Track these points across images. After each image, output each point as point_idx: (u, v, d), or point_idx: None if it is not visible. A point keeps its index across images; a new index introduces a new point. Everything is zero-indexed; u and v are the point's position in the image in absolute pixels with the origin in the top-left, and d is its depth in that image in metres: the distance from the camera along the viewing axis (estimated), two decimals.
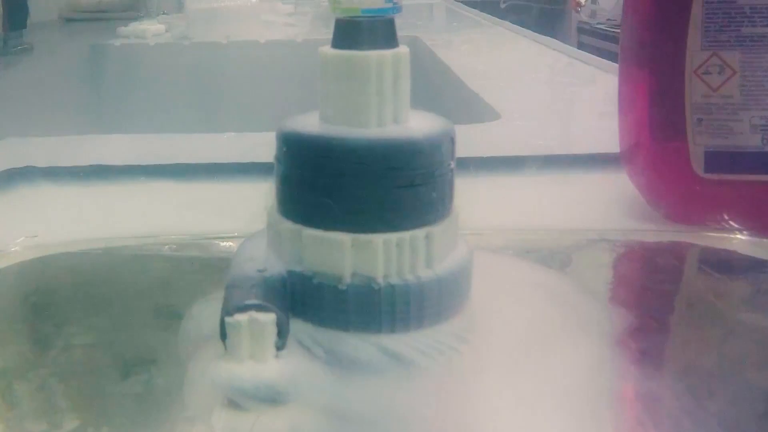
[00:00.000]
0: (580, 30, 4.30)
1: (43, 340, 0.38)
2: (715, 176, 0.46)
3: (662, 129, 0.47)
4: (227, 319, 0.30)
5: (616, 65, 0.52)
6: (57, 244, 0.46)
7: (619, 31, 0.51)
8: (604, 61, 1.06)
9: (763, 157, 0.45)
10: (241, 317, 0.30)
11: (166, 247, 0.45)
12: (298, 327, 0.32)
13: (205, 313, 0.35)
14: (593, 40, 3.85)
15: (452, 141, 0.34)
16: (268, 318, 0.31)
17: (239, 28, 1.53)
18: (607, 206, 0.52)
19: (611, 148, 0.51)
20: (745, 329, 0.37)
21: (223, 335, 0.31)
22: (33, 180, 0.57)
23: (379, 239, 0.32)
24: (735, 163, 0.45)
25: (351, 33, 0.33)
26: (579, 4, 4.50)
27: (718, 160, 0.45)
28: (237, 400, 0.29)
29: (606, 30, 3.81)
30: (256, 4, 1.65)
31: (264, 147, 0.37)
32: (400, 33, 0.34)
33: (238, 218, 0.43)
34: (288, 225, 0.34)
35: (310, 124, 0.34)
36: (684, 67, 0.45)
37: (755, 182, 0.45)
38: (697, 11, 0.44)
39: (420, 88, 0.36)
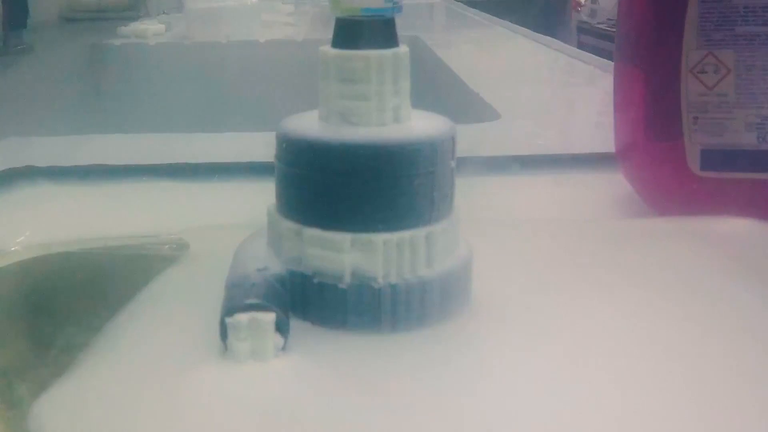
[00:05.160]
0: (580, 30, 4.30)
1: (43, 339, 0.38)
2: (711, 174, 0.46)
3: (658, 128, 0.47)
4: (228, 319, 0.31)
5: None
6: (57, 244, 0.46)
7: None
8: (604, 60, 1.06)
9: (758, 155, 0.45)
10: (241, 317, 0.31)
11: (167, 246, 0.46)
12: (298, 326, 0.32)
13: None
14: (593, 39, 3.85)
15: (453, 140, 0.34)
16: (269, 317, 0.31)
17: (239, 28, 1.53)
18: (605, 205, 0.52)
19: (611, 148, 0.52)
20: None
21: (224, 335, 0.31)
22: (33, 180, 0.57)
23: (379, 239, 0.32)
24: (731, 161, 0.45)
25: (351, 33, 0.33)
26: (579, 4, 4.50)
27: (714, 159, 0.45)
28: (237, 399, 0.29)
29: (606, 30, 3.81)
30: (256, 4, 1.65)
31: (264, 147, 0.37)
32: (400, 33, 0.34)
33: (238, 218, 0.43)
34: (288, 224, 0.34)
35: (310, 123, 0.34)
36: (680, 65, 0.45)
37: (751, 180, 0.45)
38: (692, 10, 0.44)
39: (420, 87, 0.36)
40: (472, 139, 0.57)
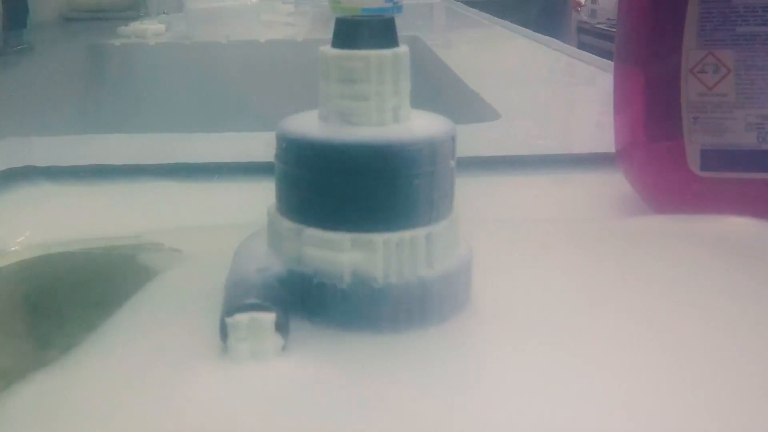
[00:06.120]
0: (580, 30, 4.31)
1: (43, 339, 0.38)
2: (711, 175, 0.46)
3: (658, 128, 0.47)
4: (227, 320, 0.31)
5: None
6: (57, 244, 0.46)
7: None
8: (604, 60, 1.06)
9: (759, 155, 0.45)
10: (241, 317, 0.31)
11: (166, 246, 0.45)
12: (298, 326, 0.32)
13: None
14: (593, 39, 3.85)
15: (453, 140, 0.34)
16: (269, 318, 0.31)
17: (239, 28, 1.53)
18: (605, 205, 0.52)
19: (611, 148, 0.52)
20: None
21: (224, 335, 0.31)
22: (33, 180, 0.57)
23: (379, 239, 0.32)
24: (731, 162, 0.45)
25: (351, 32, 0.33)
26: (579, 4, 4.50)
27: (714, 159, 0.45)
28: (237, 400, 0.29)
29: (606, 29, 3.82)
30: (256, 4, 1.65)
31: (264, 147, 0.37)
32: (400, 33, 0.34)
33: (239, 218, 0.43)
34: (288, 224, 0.34)
35: (309, 123, 0.34)
36: (679, 65, 0.45)
37: (751, 180, 0.45)
38: (692, 10, 0.44)
39: (420, 87, 0.36)
40: (472, 139, 0.57)
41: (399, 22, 0.34)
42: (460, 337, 0.33)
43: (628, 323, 0.35)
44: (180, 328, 0.34)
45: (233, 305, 0.31)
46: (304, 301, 0.33)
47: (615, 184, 0.52)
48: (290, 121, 0.35)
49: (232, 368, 0.30)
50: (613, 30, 0.52)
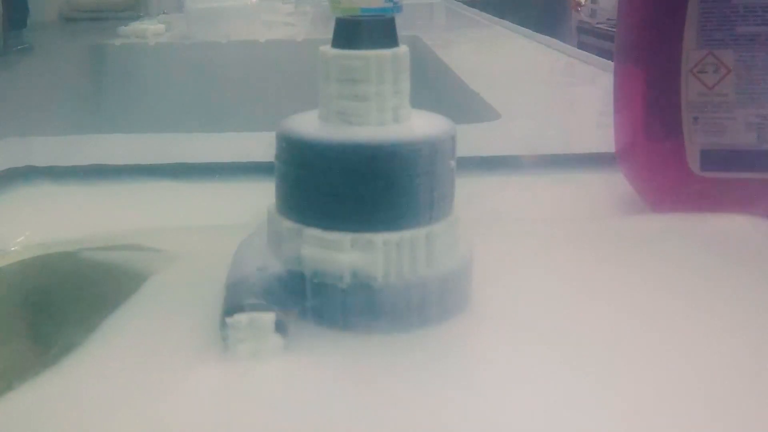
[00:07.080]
0: (580, 30, 4.30)
1: (43, 339, 0.38)
2: (711, 174, 0.46)
3: (658, 128, 0.47)
4: (228, 319, 0.31)
5: None
6: (57, 244, 0.46)
7: None
8: (604, 60, 1.06)
9: (758, 155, 0.45)
10: (241, 317, 0.31)
11: (165, 246, 0.45)
12: (298, 326, 0.32)
13: None
14: (593, 39, 3.85)
15: (453, 140, 0.34)
16: (269, 317, 0.31)
17: (239, 28, 1.53)
18: (605, 205, 0.52)
19: (611, 148, 0.52)
20: None
21: (224, 335, 0.31)
22: (33, 180, 0.57)
23: (379, 239, 0.32)
24: (731, 162, 0.45)
25: (351, 32, 0.33)
26: (579, 4, 4.50)
27: (714, 159, 0.45)
28: (237, 400, 0.29)
29: (606, 29, 3.81)
30: (256, 4, 1.65)
31: (264, 147, 0.37)
32: (400, 33, 0.34)
33: (238, 218, 0.43)
34: (288, 224, 0.34)
35: (309, 123, 0.34)
36: (680, 65, 0.45)
37: (751, 180, 0.45)
38: (692, 10, 0.44)
39: (420, 87, 0.36)
40: (472, 139, 0.57)
41: (399, 22, 0.34)
42: (460, 337, 0.33)
43: (628, 323, 0.35)
44: (180, 328, 0.34)
45: (233, 305, 0.31)
46: (304, 301, 0.33)
47: (615, 184, 0.52)
48: (290, 121, 0.35)
49: (232, 368, 0.30)
50: (613, 30, 0.52)
